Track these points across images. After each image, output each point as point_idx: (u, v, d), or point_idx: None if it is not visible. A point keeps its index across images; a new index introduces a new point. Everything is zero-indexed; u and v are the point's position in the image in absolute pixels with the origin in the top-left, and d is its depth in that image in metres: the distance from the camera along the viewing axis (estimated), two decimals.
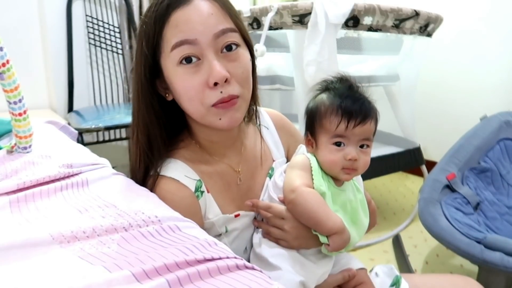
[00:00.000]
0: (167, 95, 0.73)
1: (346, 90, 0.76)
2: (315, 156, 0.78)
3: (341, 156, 0.73)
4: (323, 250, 0.75)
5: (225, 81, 0.67)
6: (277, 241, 0.76)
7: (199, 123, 0.73)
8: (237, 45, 0.70)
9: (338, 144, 0.74)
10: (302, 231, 0.74)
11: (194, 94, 0.68)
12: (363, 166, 0.75)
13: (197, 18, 0.66)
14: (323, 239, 0.71)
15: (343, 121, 0.73)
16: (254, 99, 0.78)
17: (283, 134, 0.91)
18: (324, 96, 0.77)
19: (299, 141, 0.89)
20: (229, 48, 0.68)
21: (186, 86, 0.68)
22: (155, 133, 0.73)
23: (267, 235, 0.77)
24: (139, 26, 0.71)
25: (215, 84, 0.66)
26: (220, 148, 0.79)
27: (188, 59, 0.67)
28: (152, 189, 0.73)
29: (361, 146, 0.75)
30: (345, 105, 0.73)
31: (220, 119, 0.69)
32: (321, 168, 0.77)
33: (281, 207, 0.76)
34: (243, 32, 0.72)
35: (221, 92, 0.67)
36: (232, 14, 0.70)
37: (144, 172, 0.75)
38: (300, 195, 0.72)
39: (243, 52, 0.71)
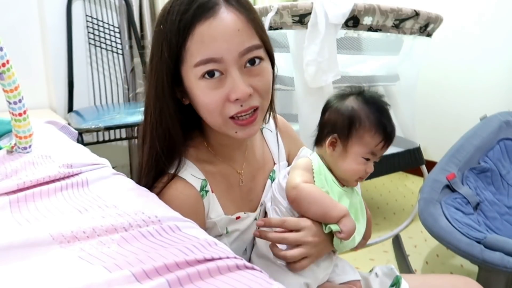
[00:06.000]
0: (184, 99, 0.72)
1: (383, 108, 0.79)
2: (322, 157, 0.80)
3: (363, 169, 0.78)
4: (335, 244, 0.75)
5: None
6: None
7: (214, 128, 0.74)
8: (261, 59, 0.69)
9: (367, 158, 0.78)
10: (320, 235, 0.74)
11: (214, 107, 0.68)
12: None
13: (223, 35, 0.64)
14: (335, 227, 0.72)
15: (383, 141, 0.77)
16: (270, 104, 0.77)
17: (286, 139, 0.92)
18: (364, 107, 0.77)
19: (300, 146, 0.89)
20: (252, 62, 0.68)
21: (207, 100, 0.68)
22: (177, 137, 0.72)
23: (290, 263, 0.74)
24: (157, 29, 0.69)
25: (237, 99, 0.66)
26: (228, 150, 0.80)
27: (210, 73, 0.66)
28: (162, 188, 0.72)
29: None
30: (386, 126, 0.77)
31: (236, 132, 0.70)
32: (328, 169, 0.79)
33: (295, 219, 0.75)
34: (267, 45, 0.71)
35: (241, 105, 0.67)
36: (258, 27, 0.68)
37: (156, 173, 0.74)
38: (302, 190, 0.74)
39: (266, 65, 0.70)
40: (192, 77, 0.67)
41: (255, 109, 0.69)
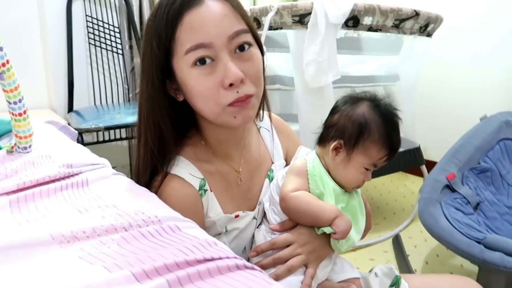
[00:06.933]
0: (177, 96, 0.73)
1: (394, 123, 0.78)
2: (321, 157, 0.80)
3: (362, 178, 0.79)
4: (332, 245, 0.76)
5: (240, 82, 0.67)
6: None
7: (210, 122, 0.73)
8: (250, 45, 0.70)
9: (368, 169, 0.78)
10: (313, 241, 0.75)
11: (209, 94, 0.68)
12: None
13: (211, 20, 0.66)
14: (328, 229, 0.72)
15: (387, 155, 0.78)
16: (263, 97, 0.78)
17: (283, 137, 0.92)
18: (377, 119, 0.76)
19: (297, 144, 0.89)
20: (242, 48, 0.68)
21: (201, 88, 0.68)
22: (167, 133, 0.73)
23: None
24: (147, 26, 0.71)
25: (230, 84, 0.66)
26: (226, 147, 0.80)
27: (202, 61, 0.66)
28: (159, 187, 0.73)
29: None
30: (394, 142, 0.77)
31: (235, 117, 0.69)
32: (326, 171, 0.79)
33: (283, 236, 0.76)
34: (253, 31, 0.72)
35: (237, 92, 0.67)
36: (243, 14, 0.70)
37: (151, 172, 0.74)
38: (289, 200, 0.75)
39: (256, 51, 0.71)
40: (184, 66, 0.68)
41: (251, 97, 0.69)
